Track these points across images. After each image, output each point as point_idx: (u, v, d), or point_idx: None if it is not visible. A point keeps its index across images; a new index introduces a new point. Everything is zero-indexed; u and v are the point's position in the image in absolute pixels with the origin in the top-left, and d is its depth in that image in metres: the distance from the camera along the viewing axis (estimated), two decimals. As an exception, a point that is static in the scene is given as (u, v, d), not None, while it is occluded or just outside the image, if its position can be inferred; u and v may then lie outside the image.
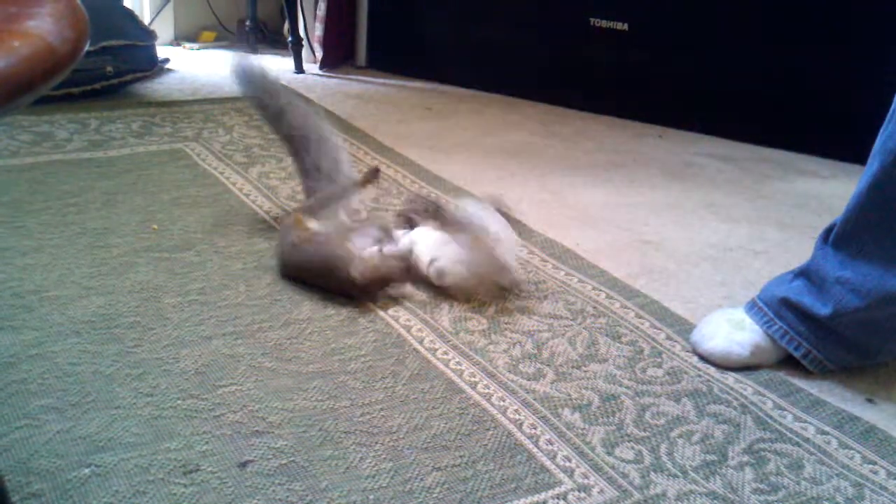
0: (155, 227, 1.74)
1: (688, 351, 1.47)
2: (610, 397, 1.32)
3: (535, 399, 1.30)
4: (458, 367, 1.36)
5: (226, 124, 2.40)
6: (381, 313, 1.50)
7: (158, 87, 2.75)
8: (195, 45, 3.31)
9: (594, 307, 1.58)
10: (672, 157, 2.47)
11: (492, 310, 1.54)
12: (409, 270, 1.55)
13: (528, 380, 1.35)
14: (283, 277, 1.57)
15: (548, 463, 1.16)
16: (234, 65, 1.80)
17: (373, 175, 1.72)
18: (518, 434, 1.22)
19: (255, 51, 3.28)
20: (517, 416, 1.26)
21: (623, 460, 1.18)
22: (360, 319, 1.47)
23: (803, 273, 1.45)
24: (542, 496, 1.10)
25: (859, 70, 2.40)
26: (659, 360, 1.44)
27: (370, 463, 1.13)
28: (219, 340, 1.37)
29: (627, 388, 1.35)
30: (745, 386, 1.38)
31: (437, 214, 1.60)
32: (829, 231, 1.43)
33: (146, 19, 3.13)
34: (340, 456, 1.14)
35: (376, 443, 1.17)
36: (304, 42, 3.09)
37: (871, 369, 1.46)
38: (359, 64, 3.20)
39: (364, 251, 1.50)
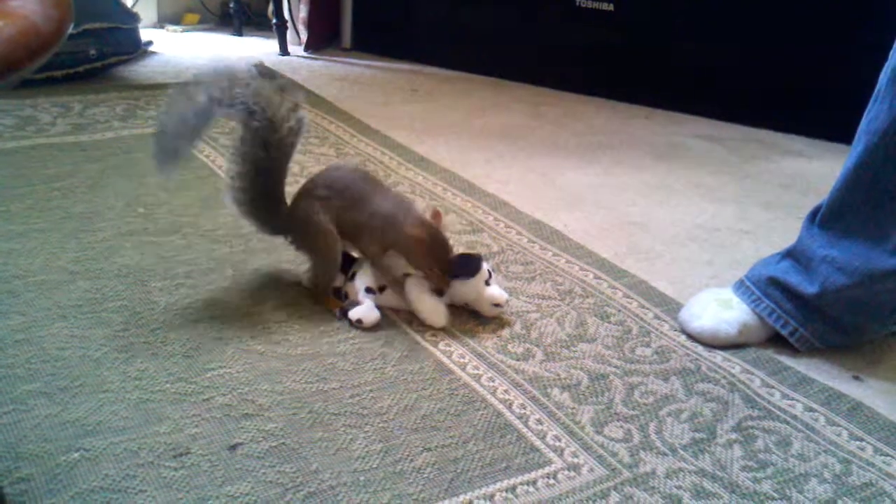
0: (141, 210, 1.73)
1: (676, 330, 1.47)
2: (599, 377, 1.32)
3: (524, 379, 1.30)
4: (448, 349, 1.36)
5: (211, 107, 2.38)
6: (370, 295, 1.49)
7: (142, 70, 2.72)
8: (179, 28, 3.28)
9: (582, 287, 1.59)
10: (659, 137, 2.47)
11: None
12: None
13: (517, 360, 1.35)
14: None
15: (538, 442, 1.17)
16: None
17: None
18: (508, 414, 1.22)
19: (239, 33, 3.26)
20: (507, 397, 1.26)
21: (612, 439, 1.19)
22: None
23: (790, 254, 1.46)
24: (533, 475, 1.11)
25: (846, 50, 2.40)
26: (647, 339, 1.44)
27: (360, 444, 1.13)
28: (206, 324, 1.37)
29: (616, 367, 1.35)
30: (732, 364, 1.39)
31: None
32: (815, 212, 1.44)
33: (129, 1, 3.10)
34: (330, 437, 1.14)
35: (366, 424, 1.17)
36: (289, 24, 3.07)
37: (858, 347, 1.46)
38: (344, 46, 3.18)
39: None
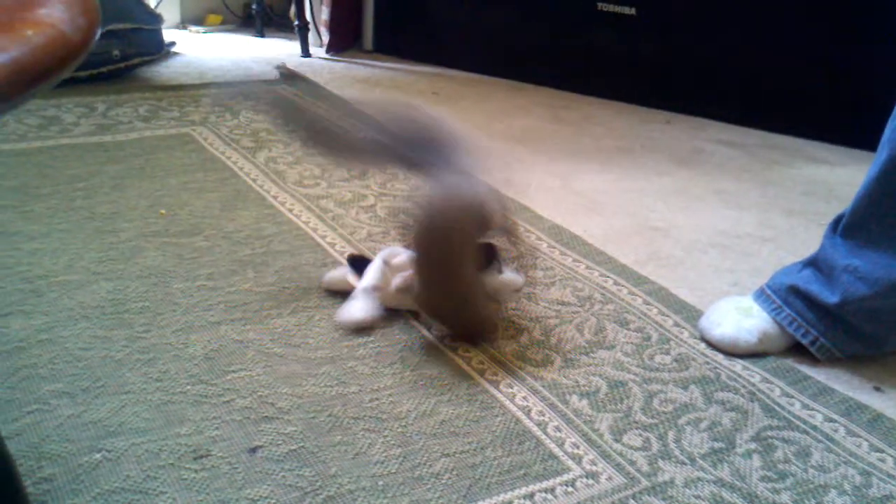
0: (163, 211, 1.75)
1: (695, 338, 1.47)
2: (618, 384, 1.32)
3: (542, 386, 1.30)
4: (466, 354, 1.36)
5: (233, 108, 2.40)
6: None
7: (165, 70, 2.74)
8: (201, 29, 3.30)
9: (602, 294, 1.58)
10: (680, 142, 2.46)
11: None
12: None
13: (536, 367, 1.35)
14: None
15: (556, 450, 1.17)
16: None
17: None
18: (526, 421, 1.22)
19: (261, 34, 3.28)
20: (525, 403, 1.26)
21: (631, 447, 1.19)
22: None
23: (812, 263, 1.45)
24: (551, 483, 1.11)
25: (869, 56, 2.39)
26: (667, 346, 1.44)
27: (379, 449, 1.14)
28: (228, 326, 1.38)
29: (635, 374, 1.35)
30: (752, 373, 1.38)
31: None
32: (837, 221, 1.43)
33: (152, 2, 3.12)
34: (350, 442, 1.14)
35: (385, 429, 1.18)
36: (311, 25, 3.08)
37: (879, 357, 1.46)
38: (366, 48, 3.19)
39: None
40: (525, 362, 1.36)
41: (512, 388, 1.29)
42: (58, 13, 0.70)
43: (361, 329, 1.39)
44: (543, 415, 1.24)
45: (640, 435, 1.21)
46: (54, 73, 0.64)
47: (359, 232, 1.73)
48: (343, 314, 1.40)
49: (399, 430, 1.18)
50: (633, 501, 1.09)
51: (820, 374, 1.40)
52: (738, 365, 1.40)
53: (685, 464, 1.16)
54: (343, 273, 1.50)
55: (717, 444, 1.21)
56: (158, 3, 3.14)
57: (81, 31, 0.70)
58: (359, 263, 1.48)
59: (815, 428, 1.26)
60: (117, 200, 1.78)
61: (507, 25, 2.93)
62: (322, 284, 1.50)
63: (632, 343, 1.44)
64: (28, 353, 1.27)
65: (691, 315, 1.53)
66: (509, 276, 1.46)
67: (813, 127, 2.53)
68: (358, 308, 1.40)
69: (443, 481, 1.09)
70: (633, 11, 2.71)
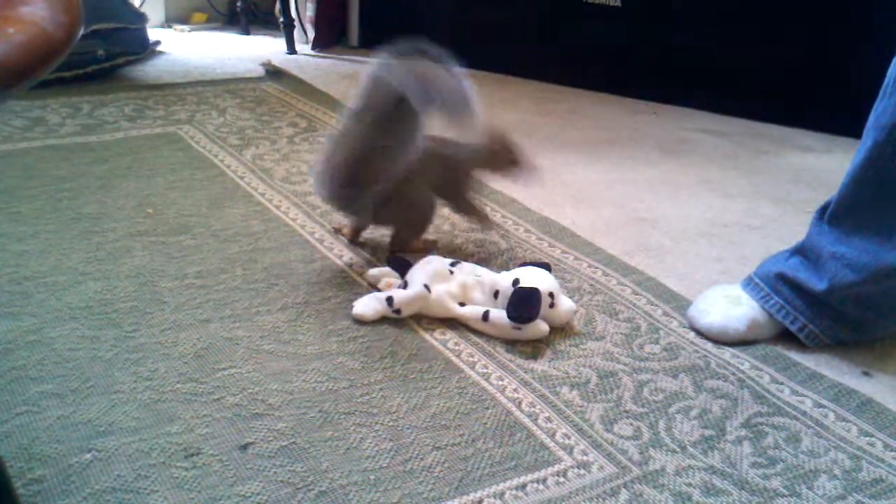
0: (150, 210, 1.74)
1: (685, 327, 1.47)
2: (608, 374, 1.33)
3: (533, 378, 1.30)
4: (457, 348, 1.37)
5: (219, 106, 2.39)
6: (379, 294, 1.50)
7: (150, 69, 2.73)
8: (186, 27, 3.29)
9: (591, 285, 1.59)
10: (667, 133, 2.47)
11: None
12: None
13: (526, 359, 1.35)
14: None
15: (547, 440, 1.17)
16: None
17: None
18: (517, 412, 1.22)
19: (246, 32, 3.27)
20: (516, 395, 1.26)
21: (622, 437, 1.19)
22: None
23: (799, 251, 1.46)
24: (542, 473, 1.11)
25: (854, 44, 2.39)
26: (656, 336, 1.44)
27: (370, 443, 1.14)
28: (217, 324, 1.37)
29: (625, 364, 1.35)
30: (742, 361, 1.39)
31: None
32: (824, 208, 1.44)
33: (137, 1, 3.10)
34: (340, 437, 1.14)
35: (376, 423, 1.18)
36: (296, 22, 3.07)
37: (867, 343, 1.46)
38: (351, 44, 3.19)
39: None
40: (515, 355, 1.36)
41: (503, 380, 1.29)
42: (40, 11, 0.70)
43: (357, 321, 1.40)
44: (534, 406, 1.24)
45: (631, 424, 1.22)
46: (37, 70, 0.64)
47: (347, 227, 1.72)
48: (356, 306, 1.43)
49: (390, 424, 1.18)
50: (624, 490, 1.09)
51: (809, 361, 1.41)
52: (727, 353, 1.41)
53: (676, 452, 1.17)
54: (386, 272, 1.53)
55: (707, 432, 1.21)
56: (143, 2, 3.13)
57: (64, 29, 0.69)
58: (398, 265, 1.51)
59: (804, 413, 1.27)
60: (104, 200, 1.77)
61: (492, 19, 2.93)
62: (367, 276, 1.54)
63: (621, 333, 1.44)
64: (16, 355, 1.26)
65: (680, 304, 1.54)
66: (566, 301, 1.45)
67: (799, 115, 2.54)
68: (366, 306, 1.43)
69: (434, 474, 1.09)
70: (618, 3, 2.71)
